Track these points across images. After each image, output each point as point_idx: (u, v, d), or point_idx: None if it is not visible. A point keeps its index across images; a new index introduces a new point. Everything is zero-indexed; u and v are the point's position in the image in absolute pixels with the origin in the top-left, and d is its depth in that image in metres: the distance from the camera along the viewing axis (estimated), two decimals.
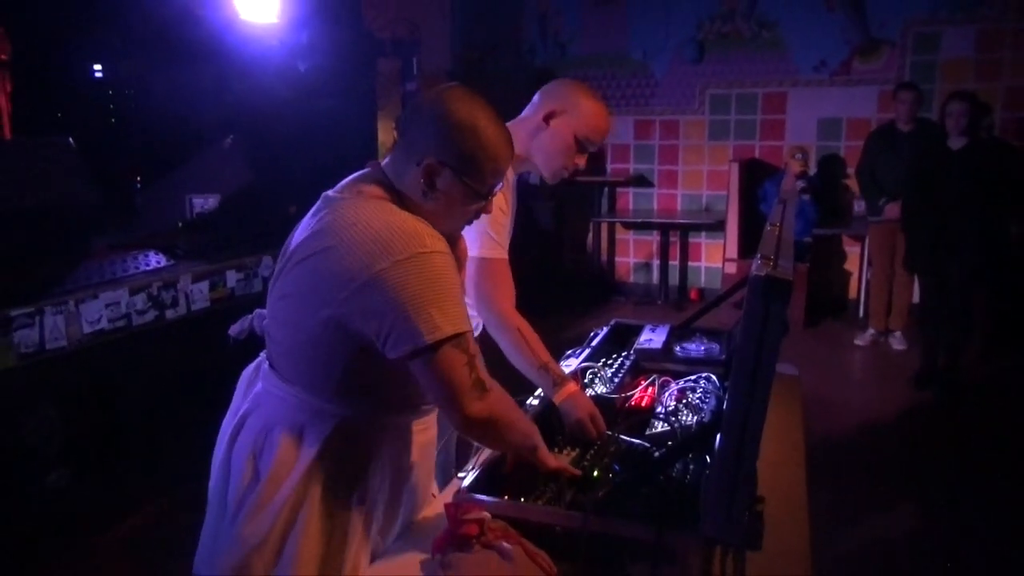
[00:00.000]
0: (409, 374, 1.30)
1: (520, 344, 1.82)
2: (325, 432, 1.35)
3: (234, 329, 1.59)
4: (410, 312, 1.23)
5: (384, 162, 1.43)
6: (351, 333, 1.28)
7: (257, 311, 1.57)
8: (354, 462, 1.38)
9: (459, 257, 1.52)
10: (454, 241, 1.50)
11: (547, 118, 1.88)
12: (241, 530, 1.35)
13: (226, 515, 1.40)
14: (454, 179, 1.35)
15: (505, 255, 1.88)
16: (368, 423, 1.39)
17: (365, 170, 1.44)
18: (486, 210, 1.44)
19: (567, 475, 1.47)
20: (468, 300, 1.93)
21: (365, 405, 1.38)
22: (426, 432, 1.53)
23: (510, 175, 1.97)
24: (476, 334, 2.04)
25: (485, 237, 1.83)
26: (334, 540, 1.37)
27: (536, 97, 1.96)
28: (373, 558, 1.43)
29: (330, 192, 1.41)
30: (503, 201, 1.89)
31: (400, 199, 1.37)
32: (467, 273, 1.82)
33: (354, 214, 1.31)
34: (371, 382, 1.35)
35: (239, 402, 1.49)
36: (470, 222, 1.46)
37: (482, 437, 1.41)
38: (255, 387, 1.46)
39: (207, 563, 1.43)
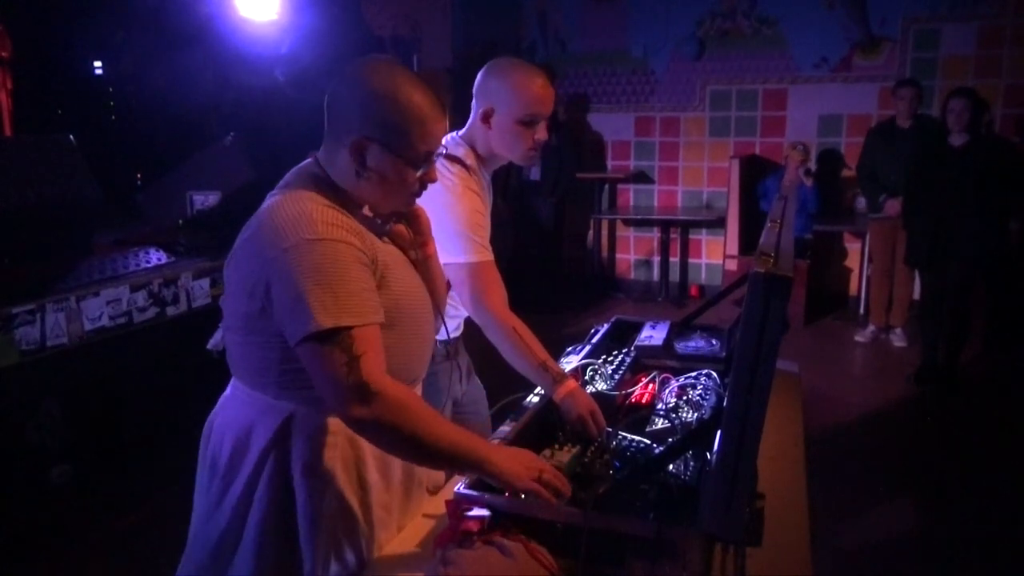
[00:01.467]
0: None
1: (517, 344, 1.81)
2: (272, 429, 1.34)
3: (211, 342, 1.59)
4: (291, 301, 1.20)
5: (319, 151, 1.39)
6: (265, 324, 1.27)
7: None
8: (306, 459, 1.34)
9: (422, 230, 1.51)
10: (410, 215, 1.48)
11: (484, 119, 1.88)
12: (200, 530, 1.40)
13: (196, 513, 1.46)
14: (383, 152, 1.30)
15: (491, 256, 1.87)
16: (318, 419, 1.35)
17: (304, 162, 1.41)
18: (429, 178, 1.38)
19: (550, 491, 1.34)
20: (456, 303, 1.93)
21: (311, 400, 1.32)
22: None
23: (484, 175, 1.97)
24: (457, 333, 2.06)
25: (468, 241, 1.82)
26: (287, 539, 1.34)
27: (474, 94, 1.93)
28: (359, 555, 1.40)
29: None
30: (479, 202, 1.88)
31: (331, 187, 1.34)
32: (454, 279, 1.82)
33: (264, 209, 1.30)
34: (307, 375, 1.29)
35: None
36: (418, 194, 1.41)
37: (376, 443, 1.30)
38: (225, 392, 1.48)
39: (183, 563, 1.45)
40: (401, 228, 1.47)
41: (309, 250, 1.21)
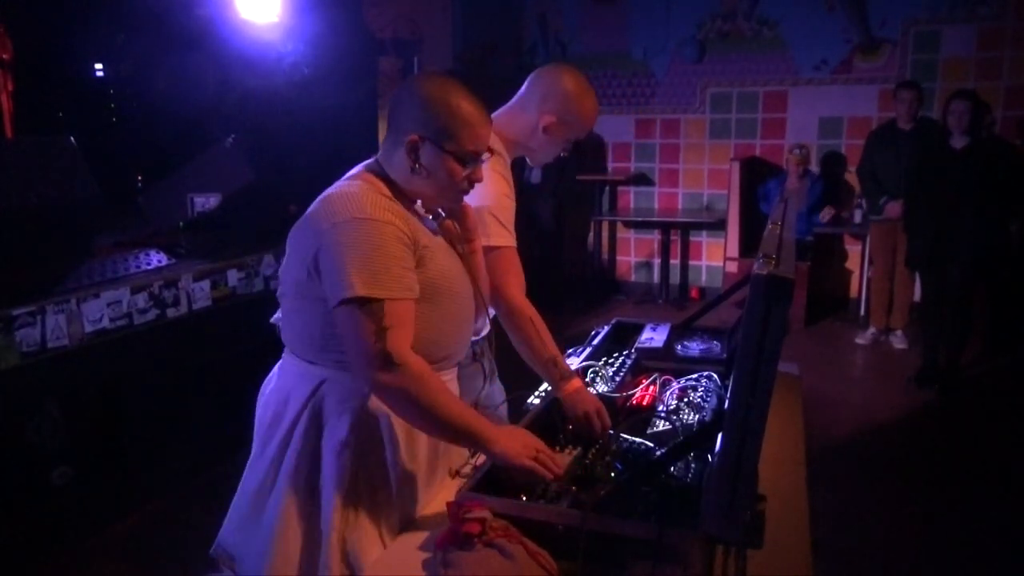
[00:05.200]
0: None
1: (531, 334, 1.82)
2: (306, 392, 1.48)
3: (275, 316, 1.64)
4: (335, 269, 1.35)
5: (379, 153, 1.54)
6: (311, 290, 1.41)
7: None
8: (334, 423, 1.45)
9: (469, 227, 1.64)
10: (458, 213, 1.61)
11: (546, 129, 1.90)
12: (244, 480, 1.56)
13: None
14: (435, 150, 1.45)
15: (513, 242, 1.88)
16: (348, 386, 1.46)
17: (367, 160, 1.56)
18: (475, 176, 1.51)
19: (544, 476, 1.42)
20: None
21: (343, 366, 1.44)
22: None
23: (506, 158, 1.97)
24: (485, 332, 2.05)
25: (492, 224, 1.82)
26: (311, 495, 1.45)
27: (533, 90, 1.94)
28: (379, 521, 1.47)
29: None
30: (505, 185, 1.89)
31: (387, 181, 1.49)
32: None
33: (328, 190, 1.47)
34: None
35: None
36: (466, 191, 1.53)
37: (394, 408, 1.43)
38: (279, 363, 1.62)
39: (232, 509, 1.60)
40: (449, 224, 1.61)
41: (356, 226, 1.36)
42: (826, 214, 5.93)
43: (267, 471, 1.50)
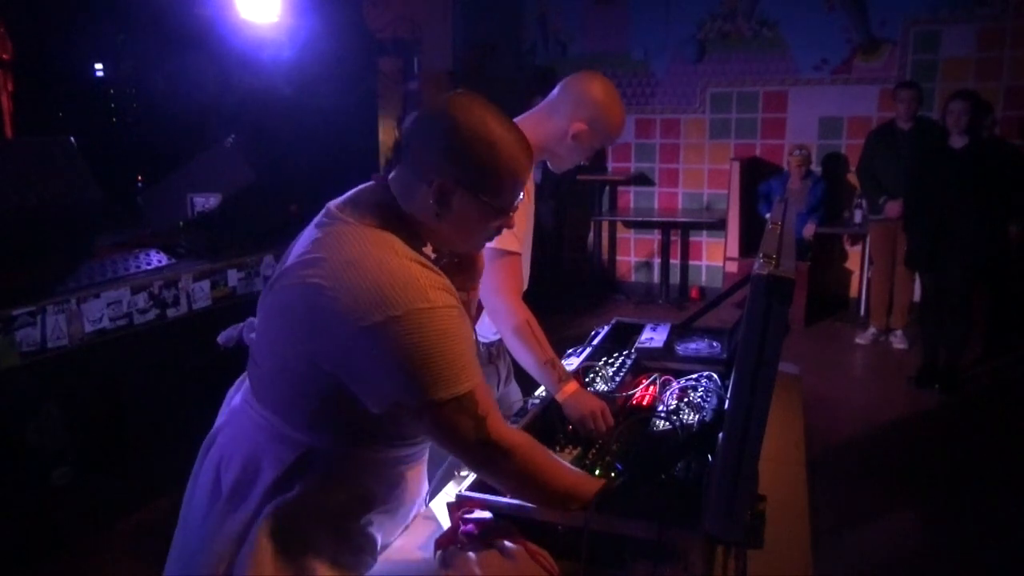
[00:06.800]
0: (390, 414, 1.21)
1: (529, 338, 1.80)
2: (283, 463, 1.26)
3: (222, 337, 1.52)
4: (402, 372, 1.15)
5: (391, 176, 1.30)
6: (329, 374, 1.19)
7: (249, 320, 1.49)
8: (319, 492, 1.28)
9: (476, 275, 1.46)
10: (472, 259, 1.43)
11: (575, 136, 1.90)
12: (200, 549, 1.32)
13: (187, 528, 1.38)
14: (470, 198, 1.22)
15: (520, 249, 1.87)
16: (340, 455, 1.29)
17: (370, 184, 1.32)
18: (508, 225, 1.31)
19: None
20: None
21: (340, 438, 1.28)
22: (418, 466, 1.44)
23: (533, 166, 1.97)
24: (490, 340, 2.05)
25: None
26: (286, 571, 1.27)
27: (563, 97, 1.93)
28: None
29: (333, 205, 1.29)
30: (524, 193, 1.89)
31: (408, 224, 1.26)
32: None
33: (352, 250, 1.19)
34: (348, 418, 1.24)
35: (219, 417, 1.45)
36: (491, 239, 1.35)
37: (510, 493, 1.33)
38: (233, 402, 1.41)
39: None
40: (454, 269, 1.41)
41: (427, 320, 1.15)
42: (808, 230, 5.91)
43: (229, 547, 1.27)
